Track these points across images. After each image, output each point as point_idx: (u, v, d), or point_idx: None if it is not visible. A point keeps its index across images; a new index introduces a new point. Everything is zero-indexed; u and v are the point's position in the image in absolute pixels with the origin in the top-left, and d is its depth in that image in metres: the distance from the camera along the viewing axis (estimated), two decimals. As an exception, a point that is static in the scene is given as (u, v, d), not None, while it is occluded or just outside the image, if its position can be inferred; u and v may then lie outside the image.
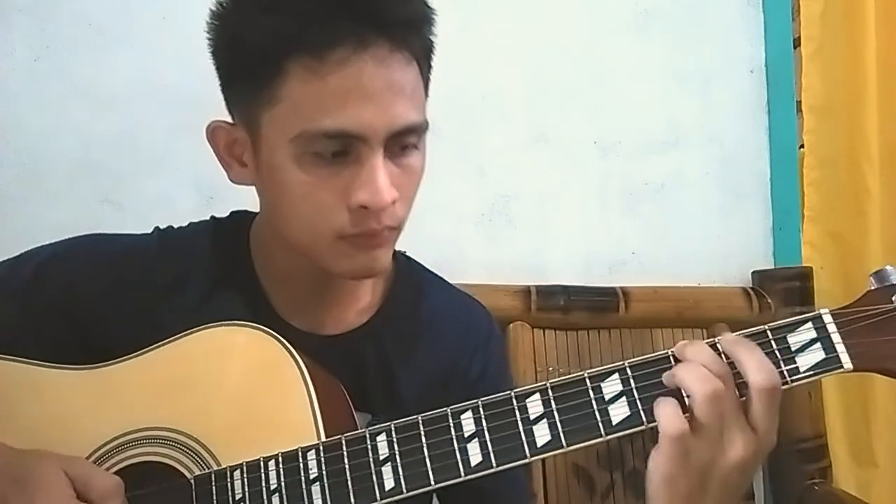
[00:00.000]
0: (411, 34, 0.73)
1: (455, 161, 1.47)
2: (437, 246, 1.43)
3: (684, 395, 0.63)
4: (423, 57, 0.75)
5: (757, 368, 0.61)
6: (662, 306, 1.46)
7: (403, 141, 0.73)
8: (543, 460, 1.33)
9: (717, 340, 0.65)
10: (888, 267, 0.65)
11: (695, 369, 0.62)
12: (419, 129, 0.74)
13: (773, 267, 1.58)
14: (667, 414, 0.62)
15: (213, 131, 0.79)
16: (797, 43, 1.58)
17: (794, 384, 0.63)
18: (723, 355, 0.64)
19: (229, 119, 0.79)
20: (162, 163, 1.36)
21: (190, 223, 0.89)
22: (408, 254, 0.93)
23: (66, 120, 1.35)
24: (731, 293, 1.51)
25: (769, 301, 1.50)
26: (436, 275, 0.95)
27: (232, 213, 0.90)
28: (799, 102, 1.58)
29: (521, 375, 1.38)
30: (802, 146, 1.58)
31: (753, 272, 1.56)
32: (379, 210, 0.71)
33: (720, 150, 1.58)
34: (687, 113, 1.56)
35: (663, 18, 1.56)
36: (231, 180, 0.80)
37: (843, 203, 1.56)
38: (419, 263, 0.94)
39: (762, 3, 1.59)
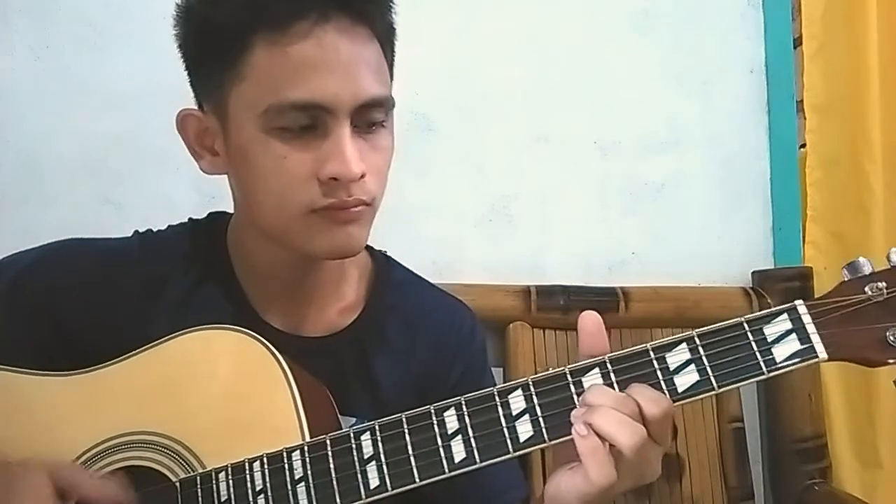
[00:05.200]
0: (372, 11, 0.74)
1: (455, 161, 1.47)
2: (437, 246, 1.43)
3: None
4: (384, 38, 0.76)
5: (652, 401, 0.63)
6: (662, 306, 1.46)
7: (370, 116, 0.74)
8: (543, 455, 1.33)
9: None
10: (860, 258, 0.66)
11: (609, 415, 0.63)
12: (385, 104, 0.75)
13: (773, 267, 1.58)
14: (599, 463, 0.62)
15: (183, 120, 0.79)
16: (797, 43, 1.58)
17: (772, 374, 0.64)
18: (615, 384, 0.65)
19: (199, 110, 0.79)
20: (162, 163, 1.36)
21: (168, 226, 0.89)
22: (388, 253, 0.93)
23: (66, 120, 1.35)
24: (731, 293, 1.51)
25: (769, 301, 1.49)
26: (417, 275, 0.94)
27: (209, 213, 0.90)
28: (800, 102, 1.58)
29: (521, 376, 1.36)
30: (804, 146, 1.58)
31: (753, 272, 1.56)
32: (349, 181, 0.72)
33: (720, 150, 1.58)
34: (687, 113, 1.56)
35: (663, 19, 1.56)
36: (202, 170, 0.80)
37: (846, 203, 1.55)
38: (400, 264, 0.94)
39: (762, 3, 1.59)
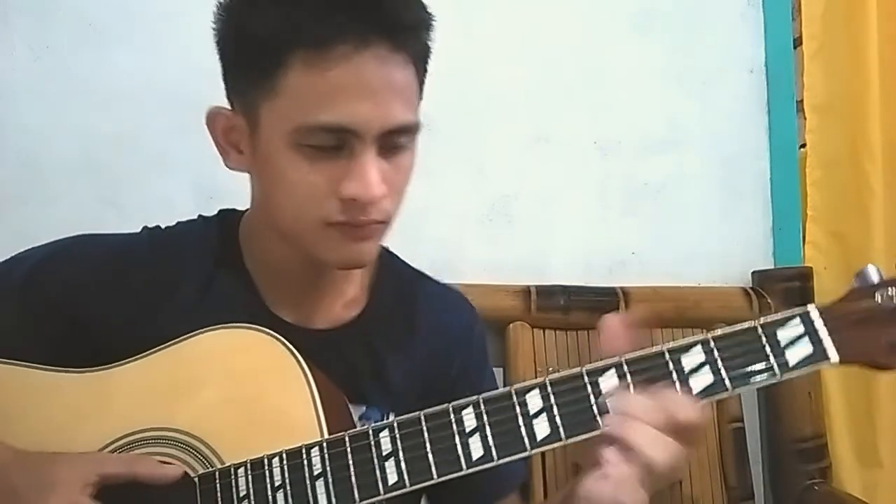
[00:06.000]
0: (411, 37, 0.75)
1: (455, 161, 1.47)
2: (437, 246, 1.43)
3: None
4: (419, 60, 0.77)
5: (685, 409, 0.64)
6: (662, 306, 1.46)
7: (396, 140, 0.75)
8: (544, 459, 1.34)
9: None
10: (869, 266, 0.67)
11: (645, 433, 0.64)
12: (412, 130, 0.76)
13: (773, 267, 1.58)
14: (631, 490, 0.63)
15: (213, 117, 0.80)
16: (797, 43, 1.58)
17: (784, 377, 0.65)
18: (631, 385, 0.66)
19: (228, 107, 0.80)
20: (162, 163, 1.37)
21: (178, 222, 0.90)
22: (390, 249, 0.94)
23: (66, 120, 1.35)
24: (731, 293, 1.51)
25: (769, 301, 1.49)
26: (417, 270, 0.96)
27: (220, 211, 0.91)
28: (800, 102, 1.58)
29: (521, 376, 1.38)
30: (804, 146, 1.58)
31: (753, 272, 1.56)
32: (367, 203, 0.74)
33: (720, 150, 1.58)
34: (687, 113, 1.56)
35: (663, 18, 1.56)
36: (227, 166, 0.81)
37: (846, 203, 1.55)
38: (401, 259, 0.96)
39: (762, 3, 1.59)
